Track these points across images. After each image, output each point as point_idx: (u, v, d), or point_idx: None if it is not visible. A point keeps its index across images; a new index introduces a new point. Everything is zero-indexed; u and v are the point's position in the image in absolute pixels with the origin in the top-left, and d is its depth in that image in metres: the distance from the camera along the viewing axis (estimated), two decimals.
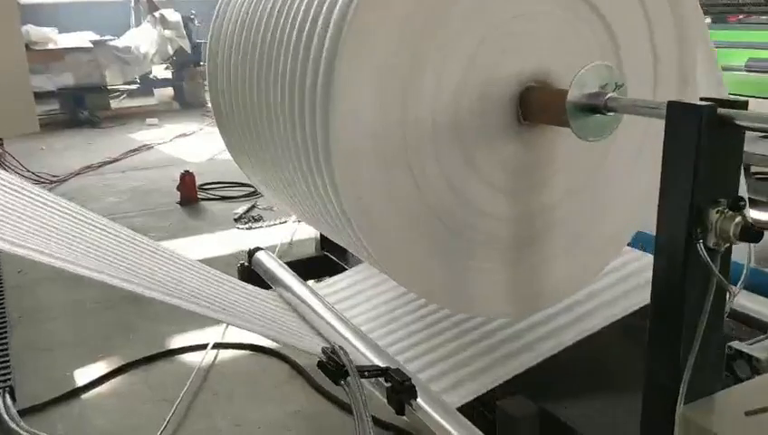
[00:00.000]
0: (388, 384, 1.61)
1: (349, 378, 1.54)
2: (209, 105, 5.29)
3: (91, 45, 9.08)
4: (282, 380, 2.87)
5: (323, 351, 1.64)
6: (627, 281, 2.13)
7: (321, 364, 1.62)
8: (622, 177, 1.97)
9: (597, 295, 2.08)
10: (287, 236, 4.47)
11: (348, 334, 2.11)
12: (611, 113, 1.59)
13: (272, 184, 2.30)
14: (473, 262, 1.81)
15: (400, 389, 1.57)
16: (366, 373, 1.58)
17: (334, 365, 1.57)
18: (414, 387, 1.58)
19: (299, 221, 4.18)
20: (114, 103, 9.51)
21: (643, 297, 2.01)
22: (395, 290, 2.52)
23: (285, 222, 4.83)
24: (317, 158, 1.65)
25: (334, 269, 3.10)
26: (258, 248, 2.90)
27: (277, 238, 4.38)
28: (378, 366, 1.68)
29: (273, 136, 1.94)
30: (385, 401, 1.65)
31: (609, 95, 1.58)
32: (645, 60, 1.91)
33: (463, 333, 2.09)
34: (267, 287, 2.77)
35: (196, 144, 7.71)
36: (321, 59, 1.59)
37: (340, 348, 1.62)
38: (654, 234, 1.34)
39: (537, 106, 1.73)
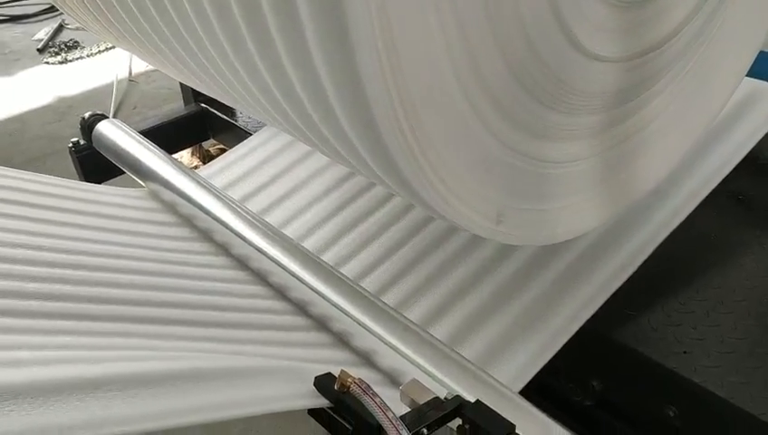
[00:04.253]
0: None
1: None
2: None
3: None
4: None
5: (320, 385, 0.80)
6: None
7: (327, 422, 0.78)
8: None
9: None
10: (122, 68, 3.25)
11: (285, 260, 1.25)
12: None
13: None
14: (554, 147, 0.96)
15: None
16: (425, 430, 0.77)
17: (356, 425, 0.74)
18: None
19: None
20: None
21: None
22: (332, 170, 1.63)
23: (113, 47, 3.53)
24: None
25: (219, 129, 2.11)
26: (98, 116, 1.81)
27: (109, 74, 3.16)
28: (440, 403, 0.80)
29: None
30: None
31: None
32: None
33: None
34: (116, 174, 1.78)
35: None
36: None
37: (359, 381, 0.77)
38: None
39: None
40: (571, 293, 1.16)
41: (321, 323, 1.20)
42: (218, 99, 1.30)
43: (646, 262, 1.21)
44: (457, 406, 0.79)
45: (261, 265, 1.32)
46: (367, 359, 1.12)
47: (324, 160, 1.66)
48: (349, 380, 0.77)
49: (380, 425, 0.73)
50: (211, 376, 0.73)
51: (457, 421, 0.79)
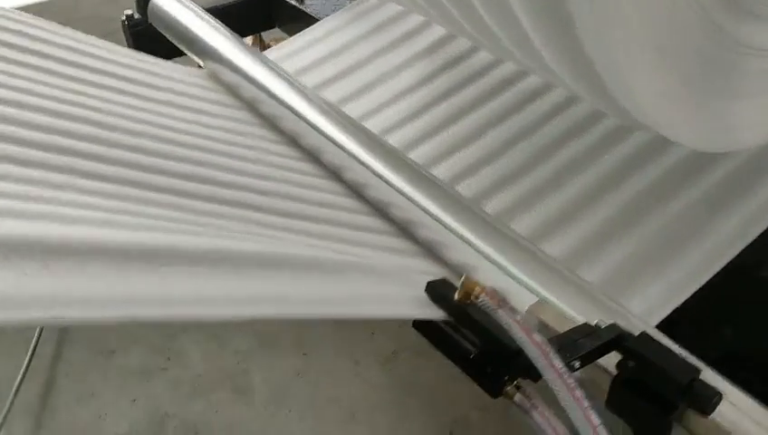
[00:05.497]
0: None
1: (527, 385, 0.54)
2: None
3: None
4: None
5: (434, 294, 0.61)
6: None
7: (440, 339, 0.59)
8: None
9: None
10: None
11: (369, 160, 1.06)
12: None
13: None
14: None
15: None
16: (577, 363, 0.58)
17: (483, 346, 0.55)
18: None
19: None
20: None
21: None
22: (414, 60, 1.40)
23: None
24: None
25: (286, 17, 1.89)
26: None
27: None
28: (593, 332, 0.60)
29: None
30: None
31: None
32: None
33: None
34: (174, 54, 1.59)
35: None
36: None
37: (491, 291, 0.58)
38: None
39: None
40: (723, 217, 0.94)
41: (405, 229, 1.01)
42: None
43: None
44: (616, 336, 0.59)
45: (335, 158, 1.12)
46: (461, 273, 0.93)
47: (410, 53, 1.44)
48: (477, 288, 0.57)
49: (521, 349, 0.53)
50: (322, 268, 0.54)
51: (613, 357, 0.60)
